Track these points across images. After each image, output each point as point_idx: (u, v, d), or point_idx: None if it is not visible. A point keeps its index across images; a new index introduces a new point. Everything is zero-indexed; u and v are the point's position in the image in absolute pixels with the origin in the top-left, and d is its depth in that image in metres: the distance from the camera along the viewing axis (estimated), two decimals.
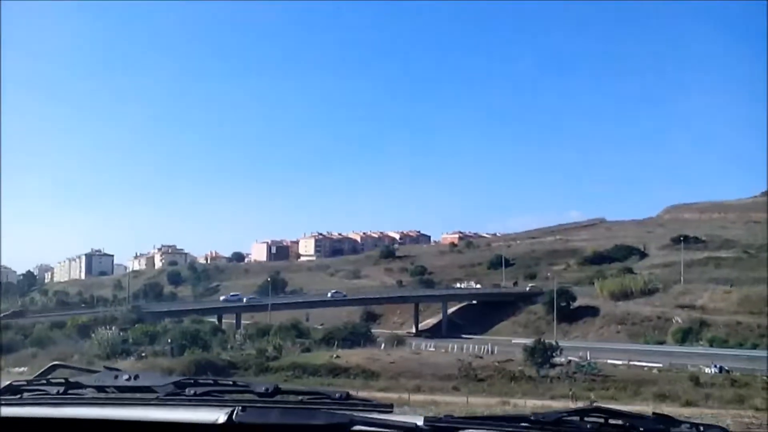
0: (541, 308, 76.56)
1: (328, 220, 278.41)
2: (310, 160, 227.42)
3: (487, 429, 1.67)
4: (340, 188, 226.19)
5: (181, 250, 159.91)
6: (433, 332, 77.74)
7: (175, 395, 1.94)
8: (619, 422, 1.62)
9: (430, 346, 59.28)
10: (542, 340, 49.47)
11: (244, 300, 79.74)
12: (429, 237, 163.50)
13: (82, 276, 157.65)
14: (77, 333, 49.81)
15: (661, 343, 62.38)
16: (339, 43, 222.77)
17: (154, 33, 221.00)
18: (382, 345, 56.07)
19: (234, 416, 1.66)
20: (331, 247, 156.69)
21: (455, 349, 55.87)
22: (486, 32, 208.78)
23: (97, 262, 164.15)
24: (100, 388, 1.97)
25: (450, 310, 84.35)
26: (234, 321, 72.12)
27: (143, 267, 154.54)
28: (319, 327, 66.42)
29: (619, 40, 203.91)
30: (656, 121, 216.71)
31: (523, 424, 1.65)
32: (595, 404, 1.71)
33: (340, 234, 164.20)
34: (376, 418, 1.69)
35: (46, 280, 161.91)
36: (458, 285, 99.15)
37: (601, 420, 1.63)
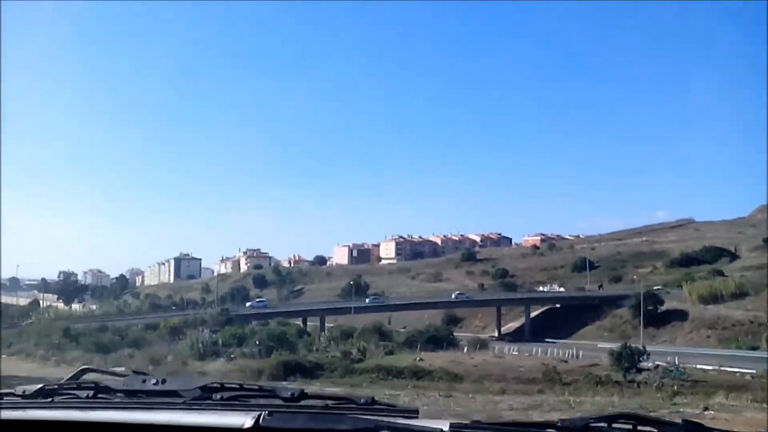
0: (628, 312, 74.80)
1: (409, 224, 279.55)
2: (390, 163, 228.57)
3: None
4: (421, 191, 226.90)
5: (266, 253, 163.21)
6: (515, 336, 77.08)
7: (202, 400, 1.98)
8: (648, 429, 1.60)
9: (513, 350, 58.86)
10: (629, 344, 48.46)
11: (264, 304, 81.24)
12: (510, 239, 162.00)
13: (171, 279, 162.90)
14: (169, 334, 51.59)
15: (755, 348, 60.08)
16: (412, 39, 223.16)
17: (238, 38, 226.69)
18: (465, 348, 55.98)
19: (260, 421, 1.68)
20: (412, 250, 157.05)
21: (539, 353, 55.30)
22: (569, 27, 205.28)
23: (185, 265, 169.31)
24: (129, 392, 2.01)
25: (533, 314, 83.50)
26: (318, 324, 73.34)
27: (229, 270, 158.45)
28: (402, 330, 66.85)
29: (713, 38, 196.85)
30: (746, 116, 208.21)
31: (549, 430, 1.64)
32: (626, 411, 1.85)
33: (420, 237, 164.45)
34: (402, 424, 1.70)
35: (137, 284, 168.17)
36: (541, 288, 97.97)
37: (629, 426, 1.61)
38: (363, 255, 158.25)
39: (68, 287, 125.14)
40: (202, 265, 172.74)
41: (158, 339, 50.31)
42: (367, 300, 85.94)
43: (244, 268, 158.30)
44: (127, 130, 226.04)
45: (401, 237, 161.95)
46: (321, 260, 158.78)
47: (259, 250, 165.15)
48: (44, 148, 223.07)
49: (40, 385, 2.12)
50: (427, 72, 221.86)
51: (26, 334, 49.35)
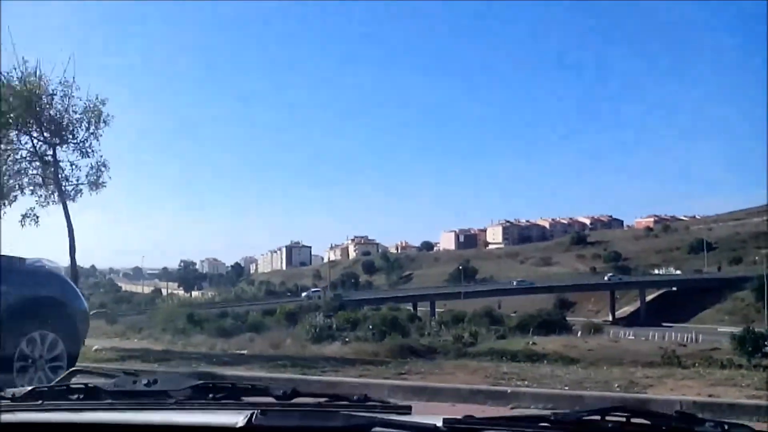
0: (750, 295, 71.66)
1: (516, 208, 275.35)
2: (495, 147, 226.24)
3: (507, 429, 1.67)
4: (527, 174, 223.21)
5: (373, 240, 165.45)
6: (630, 320, 75.25)
7: (193, 399, 1.98)
8: (642, 421, 1.60)
9: (628, 334, 57.44)
10: (752, 328, 46.48)
11: (318, 294, 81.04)
12: (621, 221, 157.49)
13: (283, 267, 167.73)
14: (286, 319, 53.37)
15: None
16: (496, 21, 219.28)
17: (356, 27, 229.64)
18: (579, 333, 55.13)
19: (253, 419, 1.67)
20: (519, 235, 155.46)
21: (655, 338, 53.79)
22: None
23: (296, 253, 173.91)
24: (120, 393, 2.00)
25: (648, 298, 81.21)
26: (428, 308, 73.98)
27: (338, 257, 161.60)
28: (513, 315, 66.54)
29: None
30: None
31: (542, 425, 1.64)
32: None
33: (527, 221, 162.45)
34: (395, 420, 1.70)
35: (251, 271, 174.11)
36: (656, 271, 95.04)
37: (623, 419, 1.61)
38: (470, 240, 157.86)
39: (188, 275, 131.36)
40: (313, 253, 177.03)
41: (275, 324, 52.07)
42: (514, 282, 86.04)
43: (352, 255, 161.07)
44: (242, 123, 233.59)
45: (508, 221, 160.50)
46: (428, 246, 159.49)
47: (366, 237, 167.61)
48: (168, 144, 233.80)
49: (29, 388, 2.11)
50: (531, 51, 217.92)
51: (153, 320, 52.19)
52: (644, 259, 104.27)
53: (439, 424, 1.62)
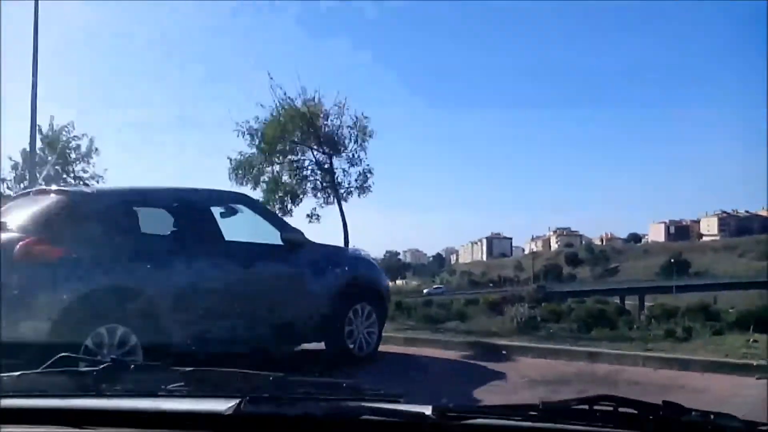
0: None
1: (734, 197, 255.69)
2: (708, 133, 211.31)
3: (495, 418, 1.67)
4: (746, 161, 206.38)
5: (576, 231, 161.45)
6: None
7: (182, 386, 1.96)
8: (629, 410, 1.61)
9: None
10: None
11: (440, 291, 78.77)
12: None
13: (484, 258, 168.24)
14: (489, 309, 53.89)
15: None
16: None
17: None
18: None
19: (241, 406, 1.67)
20: (737, 226, 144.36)
21: None
22: None
23: (497, 244, 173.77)
24: (107, 380, 1.98)
25: None
26: (636, 302, 71.31)
27: (539, 249, 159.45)
28: (731, 311, 62.39)
29: None
30: None
31: (531, 413, 1.64)
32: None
33: (747, 211, 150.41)
34: (385, 408, 1.69)
35: (452, 262, 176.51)
36: None
37: (610, 408, 1.61)
38: (681, 232, 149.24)
39: (393, 265, 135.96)
40: (513, 244, 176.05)
41: (479, 313, 52.68)
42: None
43: (554, 246, 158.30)
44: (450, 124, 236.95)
45: (725, 212, 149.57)
46: (635, 237, 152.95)
47: (569, 228, 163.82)
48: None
49: (17, 374, 2.09)
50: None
51: None
52: None
53: (428, 412, 1.63)
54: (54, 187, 7.76)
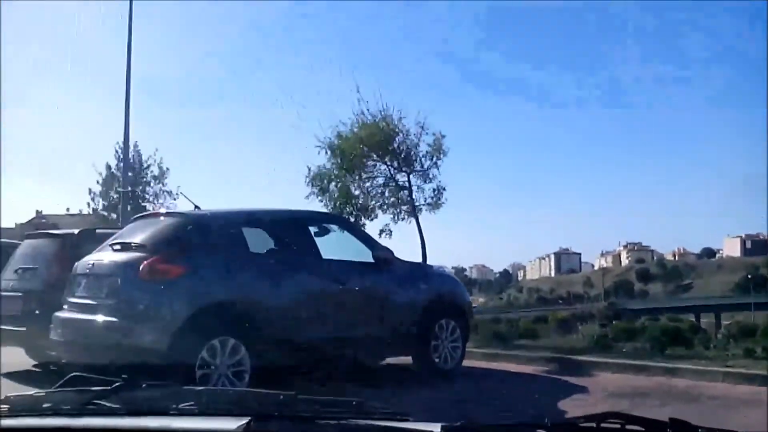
0: None
1: None
2: None
3: None
4: None
5: (647, 247, 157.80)
6: None
7: (192, 405, 1.96)
8: (637, 428, 1.59)
9: None
10: None
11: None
12: None
13: (552, 273, 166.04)
14: (558, 327, 53.32)
15: None
16: None
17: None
18: None
19: (250, 426, 1.68)
20: None
21: None
22: None
23: (565, 260, 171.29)
24: (119, 399, 2.00)
25: None
26: (712, 320, 69.38)
27: (609, 264, 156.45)
28: None
29: None
30: None
31: (539, 431, 1.62)
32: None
33: None
34: (393, 426, 1.70)
35: (519, 278, 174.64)
36: None
37: (618, 426, 1.60)
38: (759, 246, 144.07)
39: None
40: (582, 260, 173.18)
41: (548, 331, 52.16)
42: None
43: (625, 262, 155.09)
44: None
45: None
46: (709, 252, 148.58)
47: (639, 243, 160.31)
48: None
49: (29, 393, 2.14)
50: None
51: None
52: None
53: (437, 430, 1.62)
54: (167, 210, 8.40)
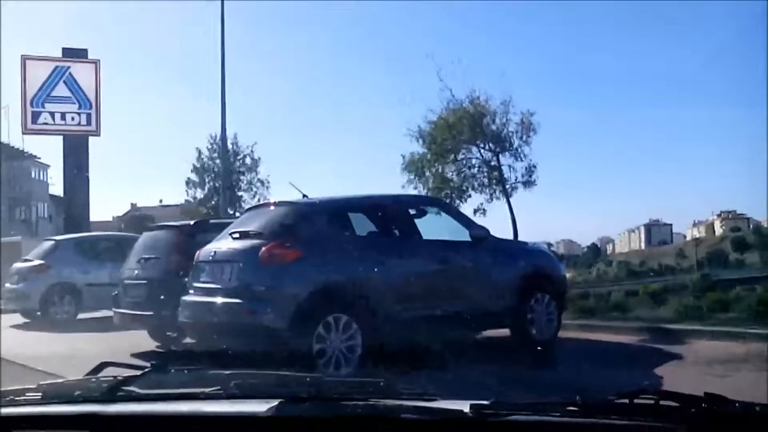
0: None
1: None
2: None
3: (533, 414, 1.67)
4: None
5: (743, 215, 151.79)
6: None
7: (220, 389, 1.98)
8: (671, 403, 1.58)
9: None
10: None
11: None
12: None
13: (642, 246, 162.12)
14: (650, 299, 52.22)
15: None
16: None
17: None
18: None
19: (279, 408, 1.69)
20: None
21: None
22: None
23: (656, 231, 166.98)
24: (149, 385, 2.03)
25: None
26: None
27: (702, 234, 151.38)
28: None
29: None
30: None
31: (570, 408, 1.62)
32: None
33: None
34: (423, 406, 1.70)
35: (608, 252, 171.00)
36: None
37: (652, 401, 1.59)
38: None
39: None
40: (674, 230, 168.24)
41: (639, 304, 51.04)
42: None
43: (719, 231, 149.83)
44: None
45: None
46: None
47: (734, 211, 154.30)
48: None
49: (60, 381, 2.18)
50: None
51: None
52: None
53: (467, 409, 1.62)
54: (281, 200, 9.01)
